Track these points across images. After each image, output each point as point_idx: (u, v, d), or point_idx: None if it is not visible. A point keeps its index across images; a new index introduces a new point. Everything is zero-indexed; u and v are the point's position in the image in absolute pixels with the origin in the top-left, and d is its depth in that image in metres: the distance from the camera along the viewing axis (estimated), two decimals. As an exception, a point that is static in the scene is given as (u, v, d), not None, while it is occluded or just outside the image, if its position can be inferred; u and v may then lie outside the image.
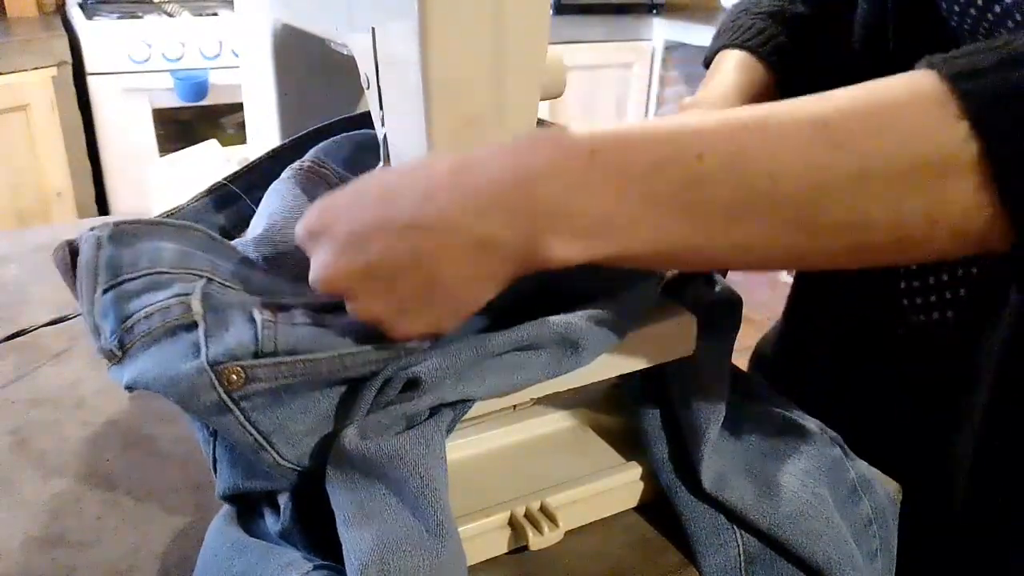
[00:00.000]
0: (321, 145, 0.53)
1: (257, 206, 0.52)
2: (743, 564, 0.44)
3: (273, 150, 0.57)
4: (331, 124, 0.57)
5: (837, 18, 0.61)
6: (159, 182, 0.90)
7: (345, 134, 0.54)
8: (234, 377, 0.34)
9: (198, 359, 0.35)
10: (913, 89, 0.29)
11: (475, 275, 0.34)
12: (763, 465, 0.46)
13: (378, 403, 0.37)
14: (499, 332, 0.38)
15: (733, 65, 0.63)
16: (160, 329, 0.37)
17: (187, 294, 0.38)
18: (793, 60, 0.64)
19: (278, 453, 0.36)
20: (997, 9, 0.46)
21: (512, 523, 0.44)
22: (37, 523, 0.45)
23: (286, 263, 0.45)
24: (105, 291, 0.39)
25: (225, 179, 0.55)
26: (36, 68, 1.76)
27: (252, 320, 0.36)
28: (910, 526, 0.50)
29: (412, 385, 0.37)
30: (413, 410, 0.37)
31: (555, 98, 0.55)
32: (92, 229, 0.41)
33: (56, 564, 0.42)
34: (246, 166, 0.56)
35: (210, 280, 0.40)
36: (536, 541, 0.43)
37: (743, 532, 0.44)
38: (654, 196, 0.31)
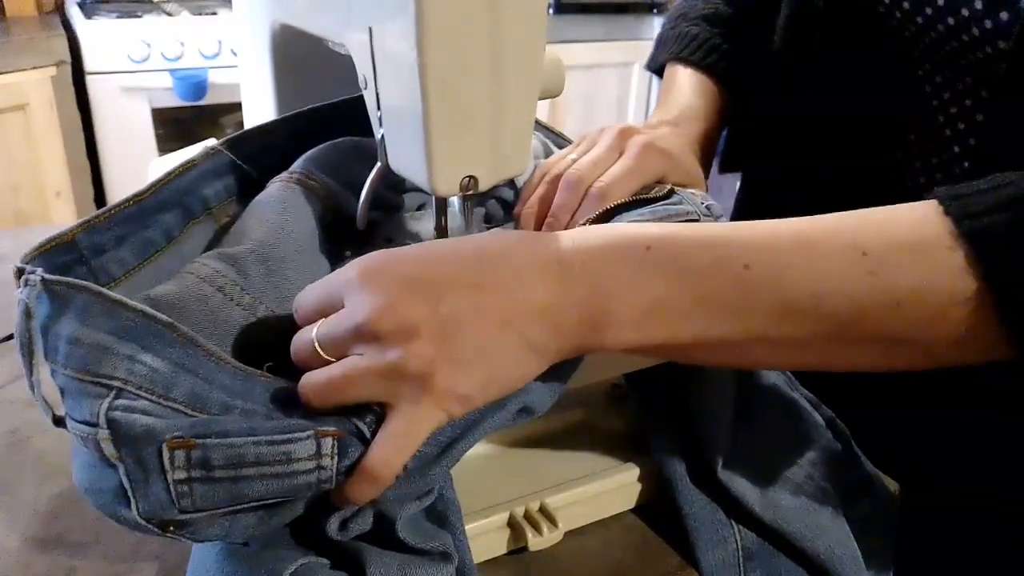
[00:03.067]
0: (309, 154, 0.51)
1: (255, 177, 0.50)
2: (741, 560, 0.44)
3: (268, 123, 0.54)
4: (332, 104, 0.55)
5: (766, 16, 0.63)
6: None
7: (331, 141, 0.53)
8: (171, 528, 0.33)
9: (131, 511, 0.32)
10: (932, 226, 0.34)
11: (531, 342, 0.35)
12: (770, 458, 0.46)
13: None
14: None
15: (687, 86, 0.66)
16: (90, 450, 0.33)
17: (94, 424, 0.32)
18: (733, 61, 0.66)
19: (235, 542, 0.36)
20: (951, 21, 0.47)
21: (512, 524, 0.44)
22: (37, 523, 0.45)
23: (277, 284, 0.43)
24: (51, 368, 0.34)
25: (222, 143, 0.50)
26: (35, 68, 1.76)
27: (164, 477, 0.31)
28: (909, 526, 0.50)
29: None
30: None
31: (554, 97, 0.55)
32: (24, 270, 0.35)
33: (56, 564, 0.42)
34: (246, 132, 0.52)
35: (120, 392, 0.32)
36: (535, 542, 0.43)
37: (741, 528, 0.44)
38: (703, 292, 0.35)
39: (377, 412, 0.34)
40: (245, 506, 0.33)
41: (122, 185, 1.99)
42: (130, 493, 0.32)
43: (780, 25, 0.62)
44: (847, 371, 0.37)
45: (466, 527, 0.42)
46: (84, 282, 0.34)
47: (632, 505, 0.48)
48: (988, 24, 0.46)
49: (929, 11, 0.49)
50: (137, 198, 0.45)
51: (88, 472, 0.34)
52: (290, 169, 0.49)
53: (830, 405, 0.51)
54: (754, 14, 0.66)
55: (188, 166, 0.48)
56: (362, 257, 0.36)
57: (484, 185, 0.43)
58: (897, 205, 0.35)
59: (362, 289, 0.35)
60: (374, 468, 0.33)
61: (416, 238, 0.52)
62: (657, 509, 0.47)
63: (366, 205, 0.49)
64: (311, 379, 0.35)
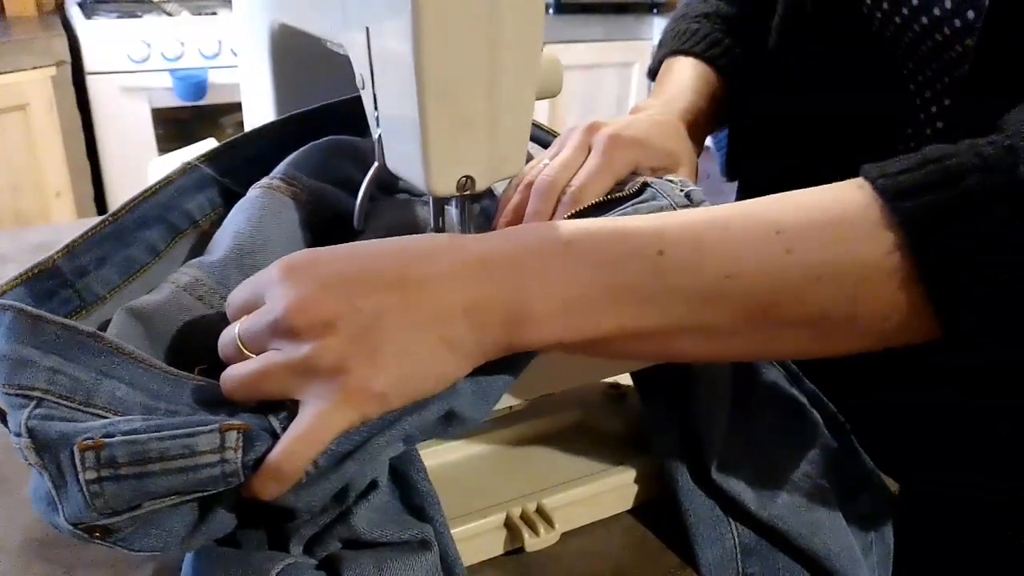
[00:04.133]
0: (291, 158, 0.51)
1: (237, 187, 0.50)
2: (739, 556, 0.44)
3: (252, 131, 0.54)
4: (316, 110, 0.55)
5: (764, 16, 0.63)
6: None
7: (314, 142, 0.53)
8: (97, 533, 0.33)
9: (59, 516, 0.33)
10: (855, 203, 0.33)
11: (451, 341, 0.34)
12: (767, 455, 0.46)
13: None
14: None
15: (684, 71, 0.65)
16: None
17: (19, 434, 0.33)
18: (733, 55, 0.66)
19: (174, 554, 0.36)
20: (925, 20, 0.48)
21: (508, 524, 0.44)
22: (37, 523, 0.45)
23: None
24: None
25: (199, 159, 0.51)
26: (35, 68, 1.76)
27: (77, 478, 0.32)
28: (909, 525, 0.50)
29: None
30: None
31: (552, 97, 0.55)
32: None
33: (56, 564, 0.42)
34: (221, 145, 0.52)
35: (40, 402, 0.34)
36: (532, 543, 0.43)
37: (738, 524, 0.44)
38: (620, 283, 0.35)
39: (290, 408, 0.34)
40: (158, 505, 0.33)
41: (122, 185, 1.99)
42: (55, 499, 0.32)
43: (774, 26, 0.62)
44: (779, 359, 0.36)
45: (463, 528, 0.42)
46: (9, 302, 0.36)
47: (629, 506, 0.48)
48: (957, 23, 0.47)
49: (905, 11, 0.50)
50: (113, 216, 0.46)
51: (33, 482, 0.35)
52: (271, 174, 0.50)
53: (830, 399, 0.51)
54: (752, 15, 0.66)
55: (164, 182, 0.48)
56: (288, 255, 0.36)
57: (481, 185, 0.43)
58: (819, 187, 0.35)
59: (282, 284, 0.35)
60: (279, 463, 0.33)
61: (415, 228, 0.52)
62: (654, 510, 0.47)
63: (363, 204, 0.49)
64: (230, 373, 0.35)
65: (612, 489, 0.47)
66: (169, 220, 0.48)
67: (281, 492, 0.34)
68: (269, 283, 0.36)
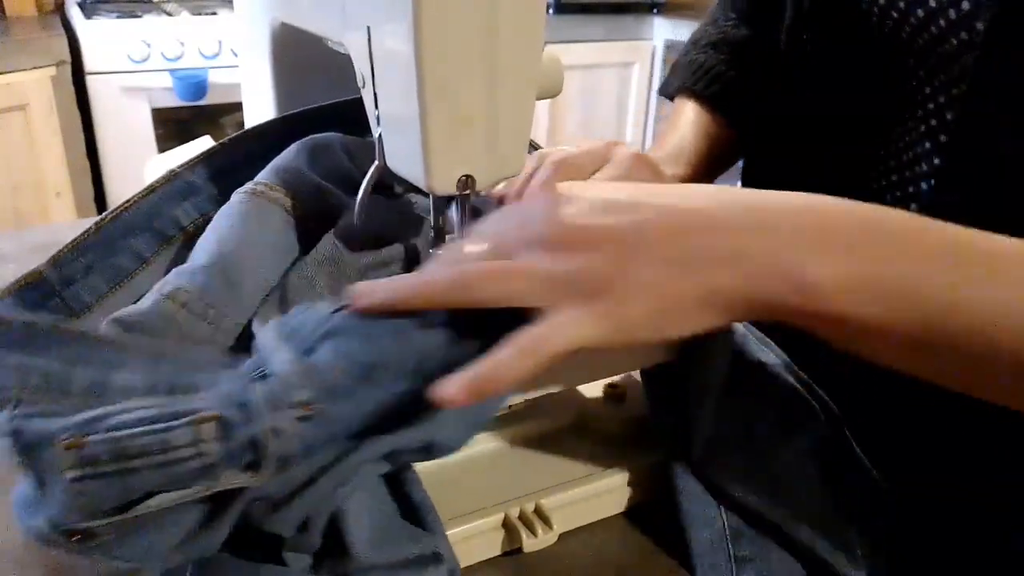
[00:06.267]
0: (273, 162, 0.51)
1: (221, 193, 0.50)
2: (729, 539, 0.44)
3: (235, 136, 0.54)
4: (302, 112, 0.56)
5: (771, 33, 0.63)
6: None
7: (299, 141, 0.53)
8: (74, 539, 0.32)
9: (37, 521, 0.32)
10: None
11: (715, 290, 0.33)
12: (754, 443, 0.46)
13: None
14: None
15: (688, 126, 0.67)
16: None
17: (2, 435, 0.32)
18: (737, 88, 0.67)
19: (154, 570, 0.35)
20: (920, 13, 0.47)
21: (506, 525, 0.44)
22: (34, 523, 0.45)
23: (238, 296, 0.42)
24: None
25: (182, 167, 0.51)
26: (35, 68, 1.76)
27: (60, 477, 0.31)
28: (904, 525, 0.50)
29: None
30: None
31: (552, 97, 0.55)
32: None
33: (56, 564, 0.42)
34: (203, 153, 0.52)
35: (18, 402, 0.33)
36: (530, 543, 0.43)
37: (724, 508, 0.45)
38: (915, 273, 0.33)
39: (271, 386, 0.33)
40: (143, 511, 0.32)
41: (122, 185, 1.99)
42: (36, 501, 0.32)
43: (784, 28, 0.62)
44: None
45: (460, 528, 0.42)
46: None
47: (627, 507, 0.48)
48: (952, 14, 0.46)
49: (902, 4, 0.49)
50: (97, 225, 0.46)
51: (18, 484, 0.34)
52: (253, 180, 0.50)
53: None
54: (761, 33, 0.66)
55: (148, 190, 0.49)
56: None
57: (481, 184, 0.43)
58: None
59: (555, 203, 0.35)
60: (498, 366, 0.32)
61: (411, 225, 0.52)
62: (653, 511, 0.47)
63: (363, 203, 0.49)
64: (460, 268, 0.34)
65: (610, 490, 0.47)
66: (155, 227, 0.49)
67: (477, 399, 0.32)
68: (539, 202, 0.36)
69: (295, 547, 0.36)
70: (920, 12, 0.48)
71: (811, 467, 0.46)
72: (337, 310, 0.36)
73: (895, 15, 0.50)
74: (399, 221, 0.53)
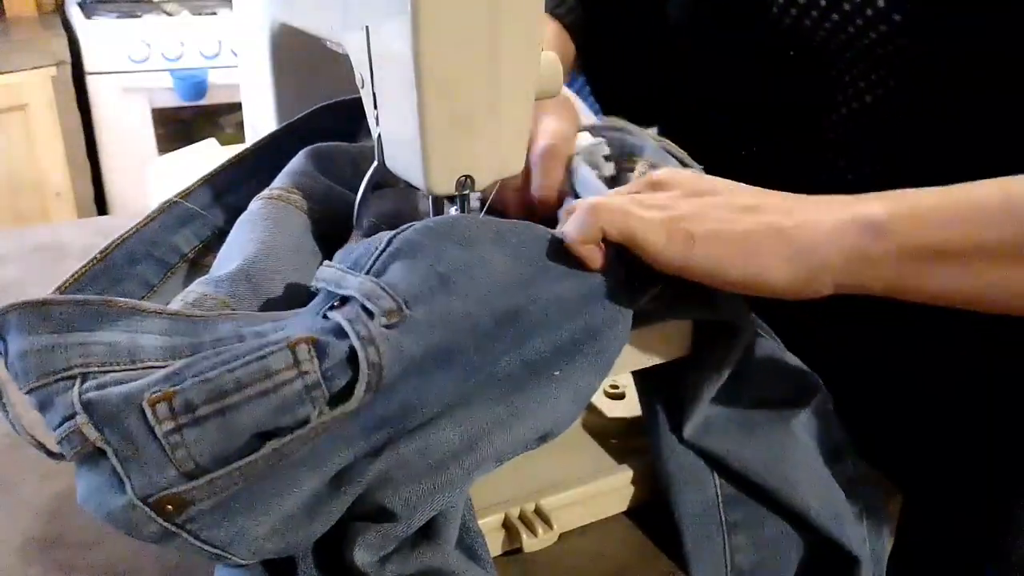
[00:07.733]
0: (285, 169, 0.51)
1: (220, 218, 0.51)
2: (721, 503, 0.44)
3: (234, 157, 0.55)
4: (292, 124, 0.56)
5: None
6: (158, 181, 0.90)
7: (305, 149, 0.53)
8: (169, 508, 0.31)
9: (125, 494, 0.31)
10: None
11: (800, 250, 0.37)
12: (749, 415, 0.46)
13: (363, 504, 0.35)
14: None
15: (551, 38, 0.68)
16: (75, 458, 0.33)
17: (72, 416, 0.32)
18: (589, 23, 0.68)
19: (239, 558, 0.34)
20: (836, 17, 0.49)
21: (506, 525, 0.44)
22: (37, 523, 0.45)
23: (266, 299, 0.42)
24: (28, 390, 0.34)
25: (179, 195, 0.51)
26: (35, 68, 1.76)
27: (152, 433, 0.31)
28: (908, 530, 0.50)
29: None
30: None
31: (551, 97, 0.55)
32: None
33: (56, 564, 0.42)
34: (202, 178, 0.53)
35: (85, 376, 0.33)
36: (530, 543, 0.43)
37: (718, 475, 0.45)
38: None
39: (360, 309, 0.33)
40: (244, 463, 0.31)
41: (122, 185, 1.99)
42: (122, 474, 0.31)
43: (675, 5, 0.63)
44: None
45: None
46: (8, 304, 0.34)
47: (627, 507, 0.48)
48: (869, 12, 0.48)
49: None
50: (102, 254, 0.46)
51: (81, 481, 0.33)
52: (271, 186, 0.50)
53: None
54: None
55: (148, 219, 0.49)
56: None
57: (481, 185, 0.43)
58: None
59: (656, 180, 0.42)
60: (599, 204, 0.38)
61: (414, 216, 0.52)
62: (652, 511, 0.47)
63: (363, 203, 0.49)
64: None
65: (610, 490, 0.47)
66: (156, 256, 0.49)
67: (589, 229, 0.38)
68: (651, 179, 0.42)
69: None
70: (835, 16, 0.49)
71: (804, 439, 0.46)
72: (395, 235, 0.37)
73: (794, 12, 0.51)
74: (409, 210, 0.53)
